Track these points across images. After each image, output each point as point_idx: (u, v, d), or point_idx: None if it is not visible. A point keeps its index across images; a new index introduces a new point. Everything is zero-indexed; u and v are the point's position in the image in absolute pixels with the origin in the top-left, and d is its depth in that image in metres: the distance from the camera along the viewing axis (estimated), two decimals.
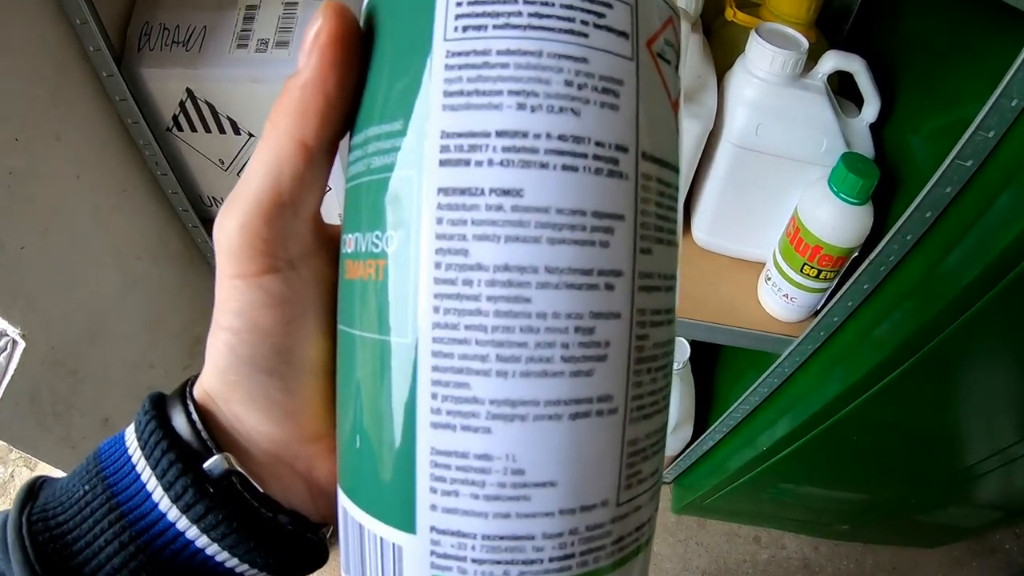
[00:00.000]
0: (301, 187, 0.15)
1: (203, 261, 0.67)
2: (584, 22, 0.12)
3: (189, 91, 0.51)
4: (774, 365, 0.64)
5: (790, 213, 0.55)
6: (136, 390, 0.60)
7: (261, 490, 0.16)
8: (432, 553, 0.13)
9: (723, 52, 0.57)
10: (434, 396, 0.12)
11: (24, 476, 1.01)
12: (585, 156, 0.12)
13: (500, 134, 0.12)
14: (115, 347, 0.57)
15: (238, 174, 0.57)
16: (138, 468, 0.16)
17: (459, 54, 0.12)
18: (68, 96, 0.48)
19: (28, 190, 0.45)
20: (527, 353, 0.12)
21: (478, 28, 0.12)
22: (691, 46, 0.53)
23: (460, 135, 0.12)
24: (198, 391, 0.17)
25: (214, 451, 0.16)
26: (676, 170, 0.14)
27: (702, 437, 0.85)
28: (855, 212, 0.50)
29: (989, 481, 0.75)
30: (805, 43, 0.50)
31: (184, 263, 0.65)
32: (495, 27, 0.12)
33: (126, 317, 0.58)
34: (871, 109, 0.54)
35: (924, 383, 0.57)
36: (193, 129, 0.54)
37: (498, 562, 0.12)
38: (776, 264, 0.56)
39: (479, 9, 0.12)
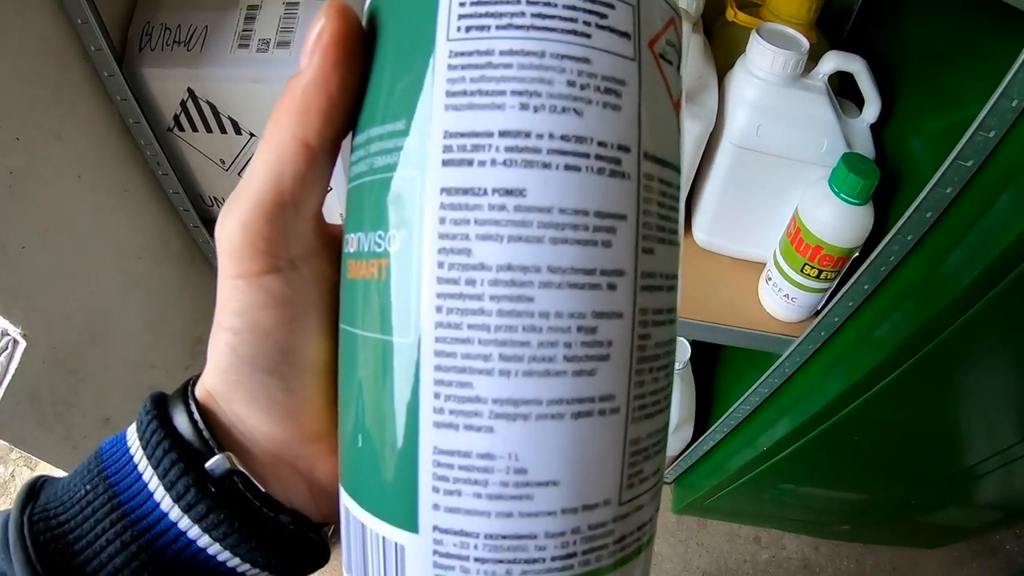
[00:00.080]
0: (303, 187, 0.15)
1: (204, 261, 0.67)
2: (586, 23, 0.12)
3: (190, 91, 0.51)
4: (775, 365, 0.64)
5: (791, 213, 0.55)
6: (137, 390, 0.60)
7: (263, 490, 0.16)
8: (435, 552, 0.13)
9: (724, 52, 0.57)
10: (436, 395, 0.12)
11: (25, 476, 1.01)
12: (587, 156, 0.12)
13: (503, 134, 0.12)
14: (116, 347, 0.57)
15: (239, 174, 0.57)
16: (140, 468, 0.16)
17: (462, 54, 0.12)
18: (69, 96, 0.48)
19: (29, 190, 0.46)
20: (530, 352, 0.12)
21: (481, 28, 0.12)
22: (692, 46, 0.53)
23: (463, 135, 0.12)
24: (199, 391, 0.17)
25: (216, 451, 0.16)
26: (678, 170, 0.14)
27: (703, 437, 0.85)
28: (856, 212, 0.50)
29: (989, 482, 0.75)
30: (806, 43, 0.50)
31: (185, 263, 0.65)
32: (498, 27, 0.12)
33: (127, 317, 0.58)
34: (872, 109, 0.54)
35: (924, 383, 0.57)
36: (194, 129, 0.54)
37: (500, 561, 0.12)
38: (777, 264, 0.56)
39: (482, 10, 0.12)
